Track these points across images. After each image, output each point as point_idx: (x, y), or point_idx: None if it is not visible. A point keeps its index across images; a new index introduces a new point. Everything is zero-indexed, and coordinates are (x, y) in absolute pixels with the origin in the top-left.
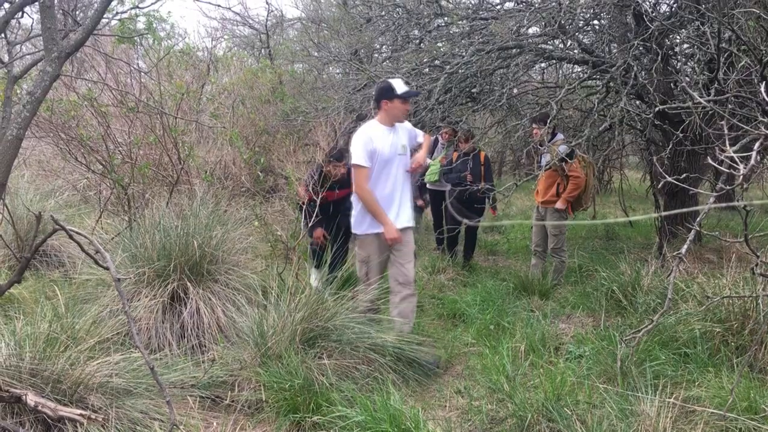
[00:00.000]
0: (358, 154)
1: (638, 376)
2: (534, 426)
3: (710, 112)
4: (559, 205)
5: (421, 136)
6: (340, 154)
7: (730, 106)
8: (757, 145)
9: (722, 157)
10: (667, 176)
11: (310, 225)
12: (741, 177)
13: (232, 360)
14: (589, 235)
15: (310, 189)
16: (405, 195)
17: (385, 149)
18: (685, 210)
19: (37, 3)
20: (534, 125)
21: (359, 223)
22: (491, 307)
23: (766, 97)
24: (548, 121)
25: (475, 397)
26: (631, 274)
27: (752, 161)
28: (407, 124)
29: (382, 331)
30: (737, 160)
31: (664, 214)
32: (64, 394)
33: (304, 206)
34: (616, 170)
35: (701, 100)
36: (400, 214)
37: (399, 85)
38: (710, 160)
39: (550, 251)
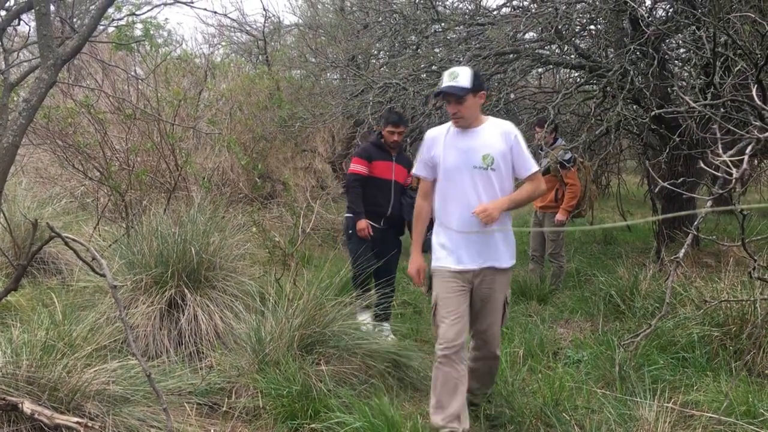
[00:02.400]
0: (416, 160)
1: (637, 381)
2: (532, 431)
3: (707, 117)
4: (559, 217)
5: (530, 169)
6: (398, 117)
7: (723, 110)
8: (749, 148)
9: (715, 162)
10: (662, 181)
11: (350, 215)
12: (734, 180)
13: (229, 367)
14: (587, 240)
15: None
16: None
17: (449, 157)
18: (682, 213)
19: (33, 10)
20: (537, 128)
21: (434, 251)
22: None
23: (758, 101)
24: (546, 125)
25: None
26: (629, 279)
27: (744, 165)
28: (508, 129)
29: (379, 337)
30: (730, 164)
31: (661, 217)
32: (60, 401)
33: (350, 187)
34: (614, 174)
35: (694, 105)
36: (478, 251)
37: (444, 78)
38: (702, 164)
39: (548, 256)
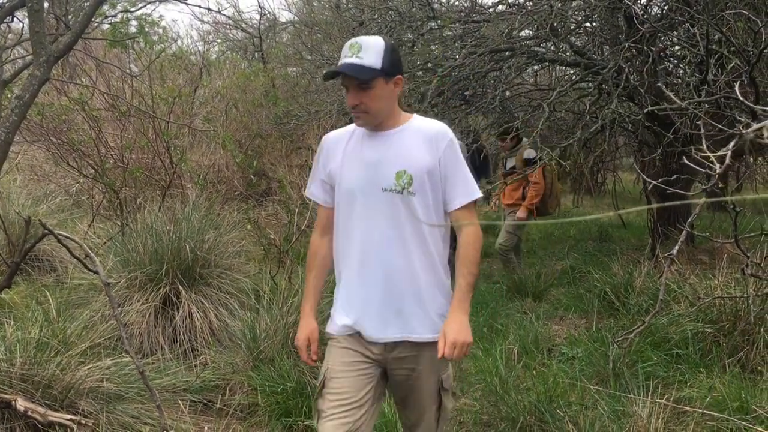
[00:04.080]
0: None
1: (630, 377)
2: (526, 428)
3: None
4: (520, 214)
5: (469, 195)
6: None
7: (707, 106)
8: (731, 144)
9: (698, 157)
10: (654, 180)
11: None
12: (717, 175)
13: (224, 364)
14: (582, 237)
15: None
16: (399, 277)
17: (350, 173)
18: (673, 204)
19: (26, 7)
20: (501, 142)
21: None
22: (484, 310)
23: (740, 97)
24: (511, 133)
25: (468, 400)
26: (624, 276)
27: (727, 160)
28: (437, 131)
29: None
30: (714, 159)
31: (655, 206)
32: (54, 399)
33: None
34: (610, 172)
35: (680, 102)
36: (385, 316)
37: (344, 51)
38: (686, 160)
39: (497, 246)
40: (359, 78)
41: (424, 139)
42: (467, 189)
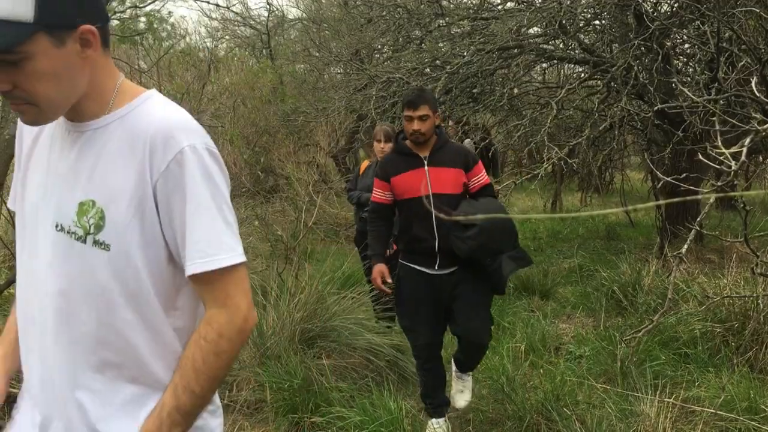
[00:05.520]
0: None
1: (638, 377)
2: (533, 426)
3: (710, 112)
4: None
5: (216, 252)
6: (415, 95)
7: (722, 102)
8: (747, 140)
9: (713, 154)
10: (665, 177)
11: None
12: (733, 172)
13: None
14: (589, 235)
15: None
16: (57, 381)
17: (29, 189)
18: (682, 200)
19: None
20: None
21: None
22: (491, 307)
23: (756, 92)
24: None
25: (475, 398)
26: (632, 274)
27: (743, 157)
28: (163, 134)
29: (380, 333)
30: (729, 156)
31: (662, 202)
32: None
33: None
34: (618, 170)
35: (695, 99)
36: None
37: None
38: (701, 157)
39: None
40: None
41: (135, 145)
42: (207, 247)
